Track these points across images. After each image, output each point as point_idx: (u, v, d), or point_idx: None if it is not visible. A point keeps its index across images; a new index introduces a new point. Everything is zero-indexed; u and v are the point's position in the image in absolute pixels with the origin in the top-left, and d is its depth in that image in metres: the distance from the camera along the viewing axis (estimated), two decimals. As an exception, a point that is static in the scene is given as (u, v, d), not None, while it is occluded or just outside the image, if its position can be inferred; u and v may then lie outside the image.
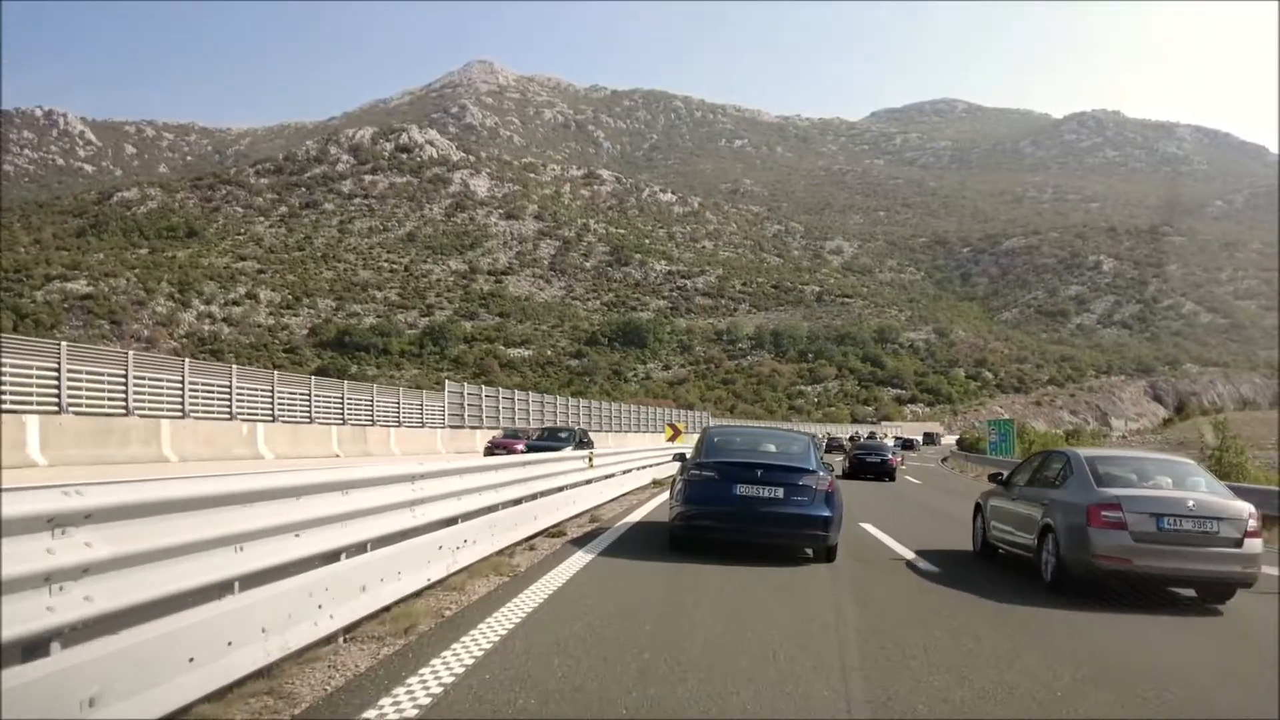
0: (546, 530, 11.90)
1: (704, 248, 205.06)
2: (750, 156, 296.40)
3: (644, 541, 12.22)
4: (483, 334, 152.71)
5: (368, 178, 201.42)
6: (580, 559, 10.42)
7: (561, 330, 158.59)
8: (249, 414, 22.46)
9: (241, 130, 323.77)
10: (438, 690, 5.14)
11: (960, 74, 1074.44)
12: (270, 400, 23.40)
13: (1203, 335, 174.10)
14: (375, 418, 28.33)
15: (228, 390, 21.69)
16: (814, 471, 11.13)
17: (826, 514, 10.75)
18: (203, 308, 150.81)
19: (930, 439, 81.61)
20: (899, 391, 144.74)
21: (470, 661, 5.75)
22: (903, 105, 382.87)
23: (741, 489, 10.81)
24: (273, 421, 23.09)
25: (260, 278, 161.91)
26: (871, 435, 59.06)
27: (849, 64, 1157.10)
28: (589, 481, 15.56)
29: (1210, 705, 5.82)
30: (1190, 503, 9.50)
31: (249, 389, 23.00)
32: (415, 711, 4.81)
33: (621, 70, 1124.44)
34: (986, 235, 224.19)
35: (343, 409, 26.58)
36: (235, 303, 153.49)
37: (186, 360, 21.68)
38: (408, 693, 5.08)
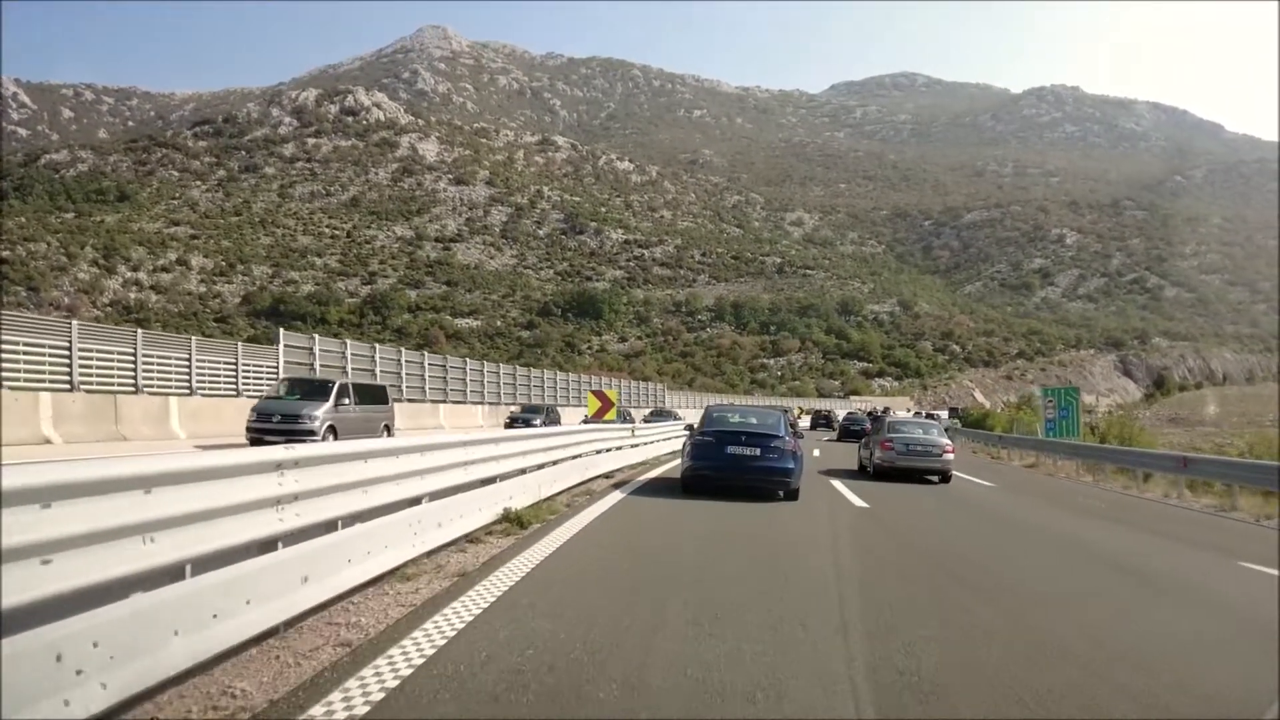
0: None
1: (662, 217, 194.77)
2: (709, 127, 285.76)
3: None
4: (428, 303, 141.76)
5: (311, 141, 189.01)
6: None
7: (512, 300, 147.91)
8: None
9: (186, 95, 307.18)
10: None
11: (920, 48, 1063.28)
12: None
13: (1169, 309, 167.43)
14: (141, 383, 18.03)
15: None
16: (783, 437, 14.61)
17: (791, 466, 14.23)
18: (129, 274, 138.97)
19: (955, 413, 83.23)
20: (865, 365, 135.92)
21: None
22: (863, 78, 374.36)
23: (731, 449, 14.34)
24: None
25: (193, 243, 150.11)
26: (886, 410, 62.54)
27: (809, 36, 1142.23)
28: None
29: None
30: (921, 439, 20.13)
31: None
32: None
33: (579, 38, 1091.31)
34: (948, 208, 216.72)
35: (70, 366, 16.15)
36: (165, 269, 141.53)
37: None
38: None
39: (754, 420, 15.55)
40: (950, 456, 19.73)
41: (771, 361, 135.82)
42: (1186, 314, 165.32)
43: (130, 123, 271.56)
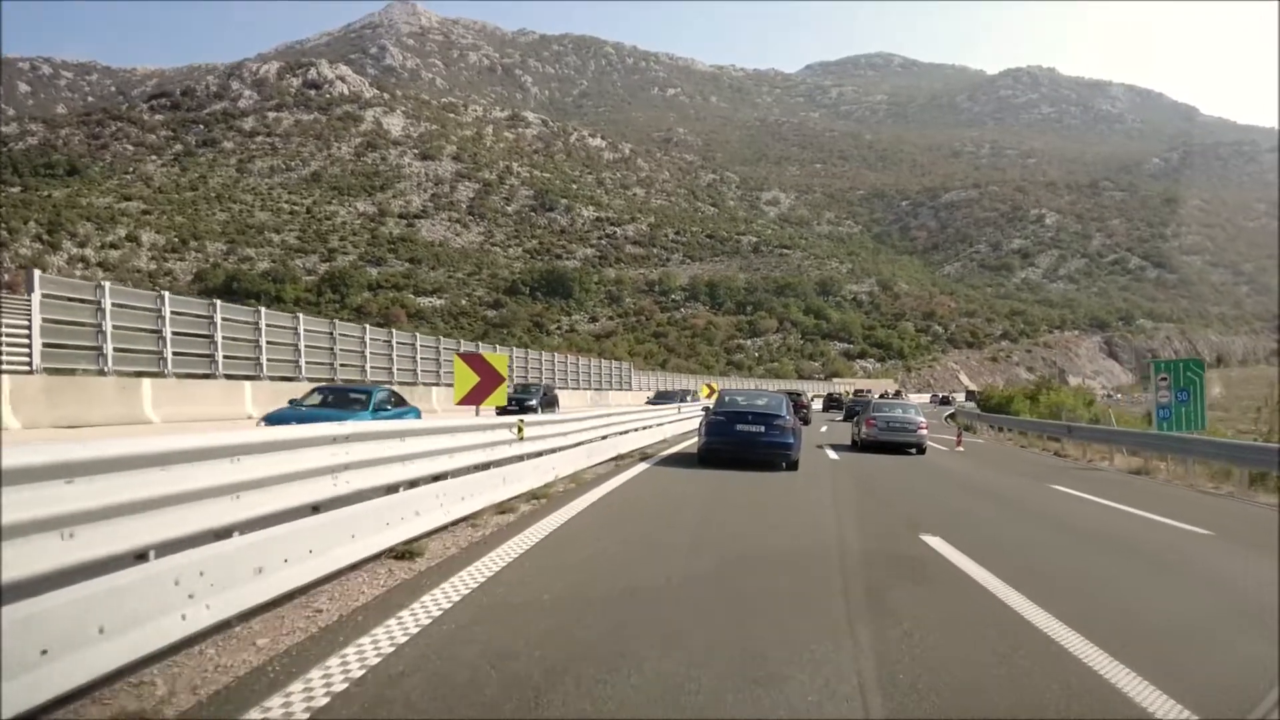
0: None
1: (635, 195, 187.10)
2: (684, 106, 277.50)
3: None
4: (389, 281, 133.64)
5: (272, 115, 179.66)
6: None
7: (479, 278, 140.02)
8: None
9: (148, 71, 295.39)
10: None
11: (895, 29, 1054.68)
12: None
13: (1151, 291, 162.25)
14: None
15: None
16: (784, 417, 16.13)
17: (791, 441, 15.80)
18: (75, 250, 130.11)
19: (972, 396, 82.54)
20: (847, 346, 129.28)
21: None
22: (838, 59, 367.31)
23: (740, 427, 15.88)
24: None
25: (145, 219, 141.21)
26: (898, 393, 63.43)
27: (784, 15, 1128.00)
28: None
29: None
30: (900, 417, 22.65)
31: None
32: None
33: (551, 14, 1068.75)
34: (925, 188, 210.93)
35: None
36: (113, 245, 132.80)
37: None
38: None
39: (760, 402, 17.19)
40: (924, 433, 22.61)
41: (748, 342, 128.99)
42: (1169, 295, 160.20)
43: (90, 98, 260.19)
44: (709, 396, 37.97)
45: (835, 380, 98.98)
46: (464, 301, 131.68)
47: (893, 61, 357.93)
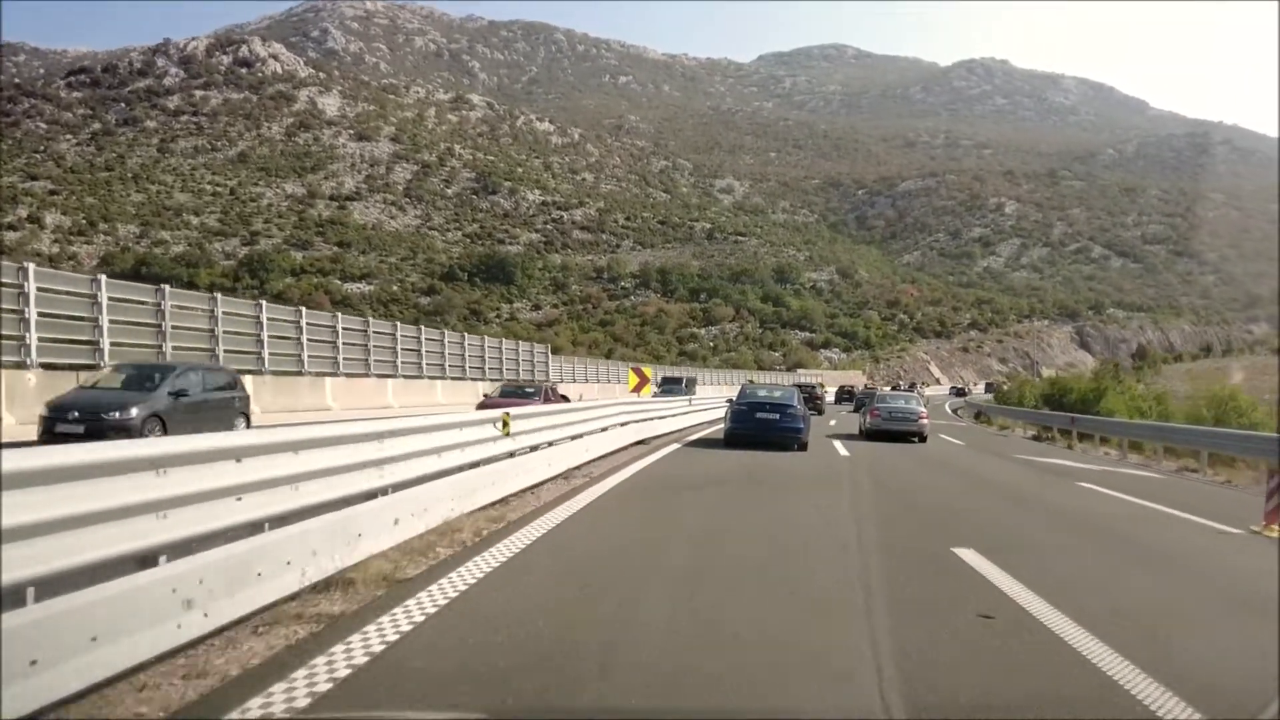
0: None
1: (584, 180, 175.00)
2: (636, 94, 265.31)
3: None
4: (315, 265, 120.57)
5: (199, 93, 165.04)
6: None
7: (413, 263, 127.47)
8: None
9: (80, 53, 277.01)
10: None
11: (847, 20, 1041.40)
12: None
13: (1117, 279, 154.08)
14: None
15: None
16: (795, 406, 19.26)
17: (801, 427, 18.69)
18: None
19: (991, 388, 79.47)
20: (809, 335, 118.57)
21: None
22: (791, 49, 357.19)
23: (760, 415, 18.86)
24: None
25: (51, 199, 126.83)
26: (912, 386, 62.41)
27: (737, 5, 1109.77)
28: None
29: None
30: (902, 408, 24.87)
31: None
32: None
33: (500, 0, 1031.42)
34: (881, 178, 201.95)
35: None
36: (12, 227, 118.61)
37: None
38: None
39: (776, 394, 20.67)
40: (925, 422, 24.62)
41: (703, 331, 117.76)
42: (1136, 285, 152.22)
43: (16, 80, 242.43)
44: (636, 388, 34.76)
45: (800, 371, 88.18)
46: (395, 288, 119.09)
47: (846, 53, 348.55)
